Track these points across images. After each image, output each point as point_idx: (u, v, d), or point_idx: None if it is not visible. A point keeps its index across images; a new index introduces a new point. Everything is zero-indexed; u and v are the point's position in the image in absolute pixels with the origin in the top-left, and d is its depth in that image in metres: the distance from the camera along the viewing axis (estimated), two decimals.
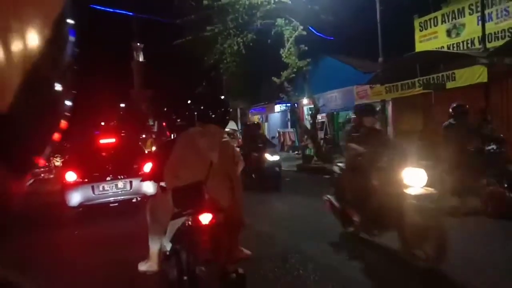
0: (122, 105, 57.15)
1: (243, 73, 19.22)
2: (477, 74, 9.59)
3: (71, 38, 0.57)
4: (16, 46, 0.48)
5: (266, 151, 10.11)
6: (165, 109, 29.57)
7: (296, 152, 21.49)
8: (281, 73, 15.28)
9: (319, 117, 18.58)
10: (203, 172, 2.91)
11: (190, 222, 2.83)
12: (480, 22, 11.85)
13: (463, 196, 6.52)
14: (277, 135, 21.85)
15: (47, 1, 0.52)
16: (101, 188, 7.86)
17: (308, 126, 20.43)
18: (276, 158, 10.24)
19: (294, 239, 5.72)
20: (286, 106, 21.38)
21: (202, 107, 3.20)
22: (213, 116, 3.14)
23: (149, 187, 7.53)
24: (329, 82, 17.20)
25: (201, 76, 24.79)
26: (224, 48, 15.86)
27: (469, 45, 12.32)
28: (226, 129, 15.49)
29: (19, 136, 0.51)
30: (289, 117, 23.21)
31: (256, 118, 24.57)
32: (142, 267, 3.34)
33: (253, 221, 6.67)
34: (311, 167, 14.71)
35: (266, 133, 23.78)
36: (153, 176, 3.37)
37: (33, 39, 0.50)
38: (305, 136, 20.37)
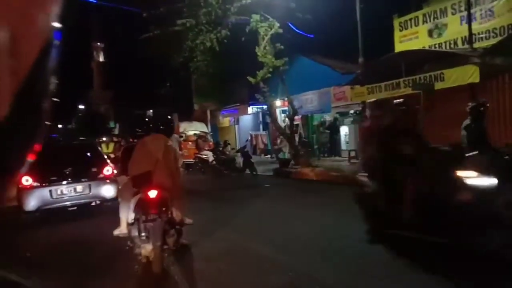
0: (81, 106, 55.14)
1: (214, 72, 18.25)
2: (468, 74, 9.18)
3: (56, 42, 0.56)
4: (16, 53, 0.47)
5: (464, 167, 4.28)
6: (129, 125, 28.59)
7: (270, 156, 20.75)
8: (257, 72, 14.44)
9: None
10: (152, 165, 4.39)
11: (143, 197, 4.25)
12: (463, 22, 11.65)
13: None
14: (249, 138, 20.99)
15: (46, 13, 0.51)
16: (59, 192, 7.77)
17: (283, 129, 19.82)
18: (490, 181, 4.09)
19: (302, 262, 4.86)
20: (261, 108, 20.56)
21: (154, 122, 4.84)
22: (161, 128, 4.79)
23: (108, 191, 8.08)
24: (304, 83, 16.55)
25: (169, 75, 23.62)
26: (195, 45, 14.85)
27: (452, 45, 12.04)
28: (197, 132, 14.37)
29: (12, 143, 0.53)
30: (261, 119, 22.43)
31: (226, 121, 23.60)
32: (116, 231, 4.87)
33: (246, 242, 5.82)
34: (289, 172, 13.96)
35: (236, 136, 22.94)
36: (123, 171, 5.07)
37: (32, 47, 0.50)
38: (279, 140, 19.69)
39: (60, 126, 58.88)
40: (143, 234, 4.16)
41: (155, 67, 25.71)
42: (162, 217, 4.15)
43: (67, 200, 7.82)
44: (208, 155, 15.60)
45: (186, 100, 25.15)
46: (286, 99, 17.79)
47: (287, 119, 16.88)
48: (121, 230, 4.75)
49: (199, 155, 16.17)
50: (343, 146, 17.68)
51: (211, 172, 14.88)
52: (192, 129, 19.01)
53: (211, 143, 18.28)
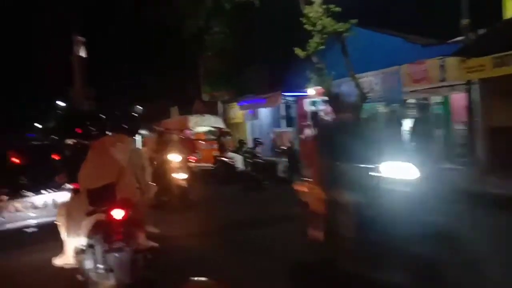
0: (61, 103, 51.30)
1: (233, 49, 13.97)
2: None
3: None
4: None
5: None
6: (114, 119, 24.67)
7: None
8: (309, 41, 10.21)
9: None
10: (113, 175, 3.59)
11: (104, 217, 3.46)
12: None
13: None
14: (272, 137, 16.71)
15: None
16: (11, 209, 6.45)
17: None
18: None
19: None
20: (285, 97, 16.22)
21: (115, 120, 4.14)
22: (125, 127, 4.03)
23: None
24: (360, 61, 12.26)
25: (165, 61, 19.27)
26: (219, 4, 10.54)
27: None
28: (211, 128, 9.88)
29: None
30: (284, 112, 18.11)
31: (240, 115, 19.15)
32: (58, 261, 3.94)
33: None
34: None
35: (248, 135, 18.71)
36: (67, 179, 4.37)
37: None
38: None
39: (40, 126, 54.30)
40: (101, 266, 3.33)
41: (149, 52, 21.46)
42: (131, 245, 3.40)
43: (23, 219, 6.52)
44: (236, 159, 11.25)
45: (190, 88, 20.63)
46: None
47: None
48: (66, 259, 3.82)
49: (221, 159, 11.80)
50: None
51: (243, 183, 10.51)
52: (204, 124, 14.62)
53: (231, 142, 13.99)
